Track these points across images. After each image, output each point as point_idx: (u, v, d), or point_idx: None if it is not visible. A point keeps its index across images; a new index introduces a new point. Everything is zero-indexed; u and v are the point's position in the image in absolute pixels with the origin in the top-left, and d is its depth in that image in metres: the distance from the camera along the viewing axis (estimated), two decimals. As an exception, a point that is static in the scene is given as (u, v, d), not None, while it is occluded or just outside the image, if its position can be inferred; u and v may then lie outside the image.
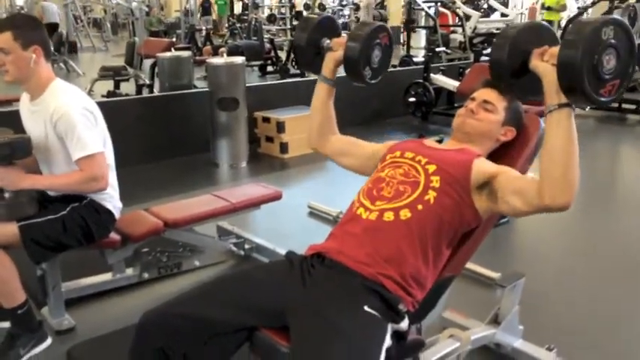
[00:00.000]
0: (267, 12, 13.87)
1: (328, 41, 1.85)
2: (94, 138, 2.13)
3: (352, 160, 1.90)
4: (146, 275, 2.75)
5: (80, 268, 2.67)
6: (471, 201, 1.60)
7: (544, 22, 1.45)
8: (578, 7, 11.67)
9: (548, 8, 11.79)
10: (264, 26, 11.04)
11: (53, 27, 12.46)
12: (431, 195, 1.57)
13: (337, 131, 1.95)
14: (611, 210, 4.02)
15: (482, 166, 1.62)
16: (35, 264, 2.27)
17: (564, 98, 1.34)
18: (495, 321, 2.14)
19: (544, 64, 1.37)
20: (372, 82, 1.80)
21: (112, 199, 2.32)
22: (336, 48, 1.81)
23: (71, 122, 2.08)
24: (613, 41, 1.26)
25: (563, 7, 11.99)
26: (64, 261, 2.38)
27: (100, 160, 2.15)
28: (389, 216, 1.55)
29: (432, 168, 1.62)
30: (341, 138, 1.94)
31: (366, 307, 1.42)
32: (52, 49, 10.13)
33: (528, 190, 1.45)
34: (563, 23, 10.74)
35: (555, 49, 1.34)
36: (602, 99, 1.29)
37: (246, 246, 3.13)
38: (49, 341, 2.25)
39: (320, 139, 1.93)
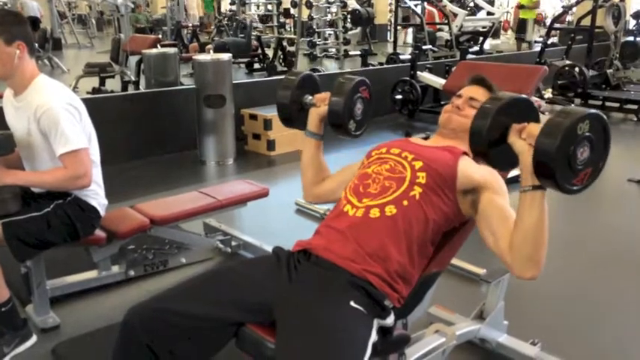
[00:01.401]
0: (254, 9, 13.76)
1: (310, 97, 1.88)
2: (77, 134, 2.11)
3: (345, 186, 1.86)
4: (132, 273, 2.74)
5: (65, 265, 2.66)
6: (455, 199, 1.61)
7: (529, 98, 1.46)
8: (563, 7, 11.77)
9: (522, 7, 11.94)
10: (248, 20, 11.00)
11: (33, 21, 12.36)
12: (416, 191, 1.58)
13: (329, 173, 1.95)
14: (596, 206, 4.06)
15: (468, 170, 1.62)
16: (19, 262, 2.25)
17: (538, 181, 1.35)
18: (480, 316, 2.17)
19: (521, 143, 1.37)
20: (357, 133, 1.85)
21: (97, 195, 2.31)
22: (319, 104, 1.85)
23: (55, 118, 2.06)
24: (588, 134, 1.29)
25: (536, 4, 12.15)
26: (49, 258, 2.37)
27: (83, 157, 2.13)
28: (375, 212, 1.55)
29: (418, 164, 1.63)
30: (332, 177, 1.93)
31: (352, 303, 1.42)
32: (37, 45, 10.09)
33: (503, 244, 1.47)
34: (548, 22, 10.83)
35: (533, 128, 1.35)
36: (574, 188, 1.32)
37: (233, 243, 3.12)
38: (33, 339, 2.24)
39: (314, 190, 1.93)
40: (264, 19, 11.75)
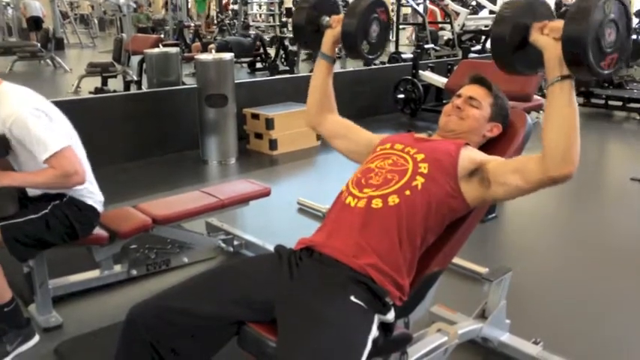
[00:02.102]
0: (255, 8, 13.78)
1: (327, 18, 1.88)
2: (53, 136, 2.07)
3: (347, 144, 1.92)
4: (134, 272, 2.74)
5: (68, 265, 2.66)
6: (458, 188, 1.61)
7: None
8: (565, 5, 11.74)
9: None
10: (252, 23, 11.01)
11: (35, 20, 12.51)
12: (419, 181, 1.58)
13: (336, 111, 1.97)
14: (598, 204, 4.05)
15: (470, 154, 1.65)
16: (20, 262, 2.25)
17: (566, 70, 1.39)
18: (482, 315, 2.16)
19: (545, 38, 1.42)
20: (371, 57, 1.84)
21: (91, 194, 2.29)
22: (335, 25, 1.85)
23: (25, 126, 2.02)
24: (613, 16, 1.34)
25: None
26: (52, 258, 2.37)
27: (68, 155, 2.09)
28: (377, 203, 1.56)
29: (420, 156, 1.64)
30: (339, 119, 1.96)
31: (352, 298, 1.42)
32: (39, 45, 10.10)
33: (529, 167, 1.50)
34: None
35: (555, 23, 1.41)
36: (604, 71, 1.37)
37: (235, 242, 3.13)
38: (36, 338, 2.24)
39: (318, 117, 1.95)
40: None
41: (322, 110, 1.94)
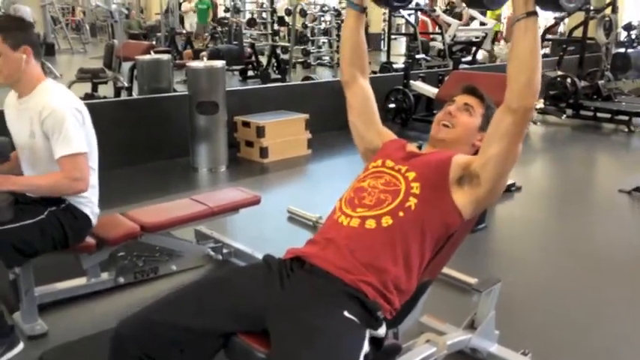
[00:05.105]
0: (248, 16, 13.81)
1: None
2: (80, 138, 2.13)
3: (358, 122, 1.92)
4: (122, 280, 2.71)
5: (54, 272, 2.63)
6: (452, 200, 1.61)
7: None
8: (555, 18, 11.87)
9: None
10: (245, 30, 11.04)
11: None
12: (412, 202, 1.58)
13: (367, 73, 1.95)
14: (587, 217, 4.08)
15: (462, 158, 1.66)
16: (7, 268, 2.23)
17: (532, 6, 1.46)
18: (472, 326, 2.16)
19: None
20: (397, 5, 1.87)
21: (90, 203, 2.29)
22: None
23: (60, 119, 2.08)
24: None
25: (498, 18, 12.55)
26: (38, 265, 2.34)
27: (81, 161, 2.13)
28: (370, 223, 1.55)
29: (411, 175, 1.64)
30: (366, 93, 1.92)
31: (345, 313, 1.41)
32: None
33: (496, 125, 1.56)
34: (540, 32, 10.90)
35: None
36: (570, 4, 1.45)
37: (225, 250, 3.11)
38: (20, 346, 2.21)
39: (350, 72, 1.90)
40: (252, 22, 11.73)
41: (353, 64, 1.90)
